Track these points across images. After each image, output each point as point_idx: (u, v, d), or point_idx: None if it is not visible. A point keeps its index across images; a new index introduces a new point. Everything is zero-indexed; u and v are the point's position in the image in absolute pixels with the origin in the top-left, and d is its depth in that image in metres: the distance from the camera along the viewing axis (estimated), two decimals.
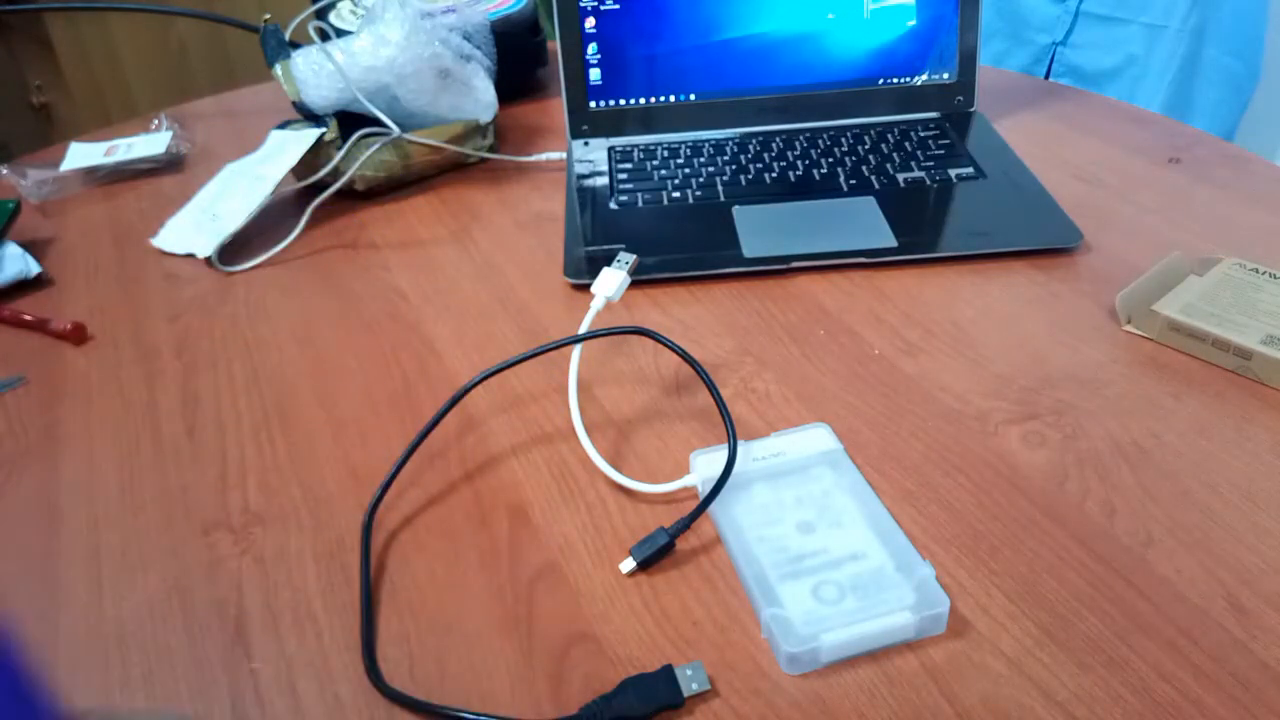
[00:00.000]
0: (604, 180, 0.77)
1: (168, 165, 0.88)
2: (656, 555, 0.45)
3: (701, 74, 0.81)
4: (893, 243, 0.67)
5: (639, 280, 0.65)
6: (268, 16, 0.81)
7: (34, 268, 0.71)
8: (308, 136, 0.77)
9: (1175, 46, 1.22)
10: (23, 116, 1.94)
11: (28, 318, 0.66)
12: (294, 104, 0.79)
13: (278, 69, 0.79)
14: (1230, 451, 0.50)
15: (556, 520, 0.49)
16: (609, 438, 0.54)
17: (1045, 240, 0.67)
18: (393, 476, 0.50)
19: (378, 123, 0.77)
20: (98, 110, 1.93)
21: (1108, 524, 0.46)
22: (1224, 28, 1.21)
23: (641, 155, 0.79)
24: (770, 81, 0.81)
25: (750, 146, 0.79)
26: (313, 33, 0.78)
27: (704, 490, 0.48)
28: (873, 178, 0.74)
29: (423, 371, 0.60)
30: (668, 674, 0.40)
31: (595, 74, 0.81)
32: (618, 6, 0.79)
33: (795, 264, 0.66)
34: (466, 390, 0.53)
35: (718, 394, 0.50)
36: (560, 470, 0.52)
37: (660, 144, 0.80)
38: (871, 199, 0.71)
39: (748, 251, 0.67)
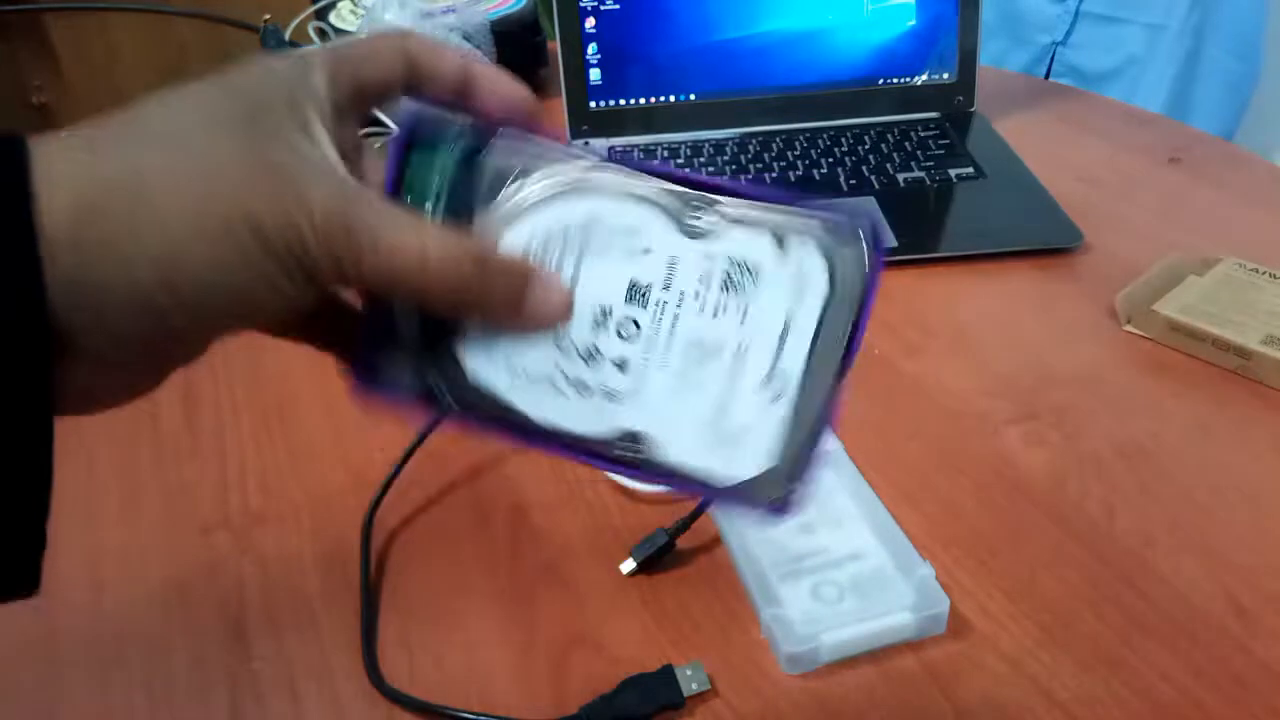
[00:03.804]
0: None
1: None
2: (656, 555, 0.45)
3: (701, 74, 0.81)
4: (893, 243, 0.67)
5: None
6: (268, 16, 0.81)
7: None
8: None
9: (1175, 46, 1.22)
10: (23, 116, 1.93)
11: None
12: None
13: None
14: (1230, 451, 0.50)
15: (556, 520, 0.48)
16: None
17: (1045, 240, 0.67)
18: (393, 476, 0.50)
19: (378, 122, 0.77)
20: (98, 110, 1.93)
21: (1108, 524, 0.46)
22: (1224, 28, 1.21)
23: (642, 155, 0.79)
24: (770, 81, 0.81)
25: (750, 146, 0.79)
26: (313, 33, 0.78)
27: None
28: (873, 178, 0.74)
29: None
30: (668, 674, 0.40)
31: (595, 74, 0.81)
32: (618, 6, 0.79)
33: None
34: None
35: None
36: (560, 470, 0.52)
37: (660, 144, 0.80)
38: (871, 199, 0.71)
39: None
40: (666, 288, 0.27)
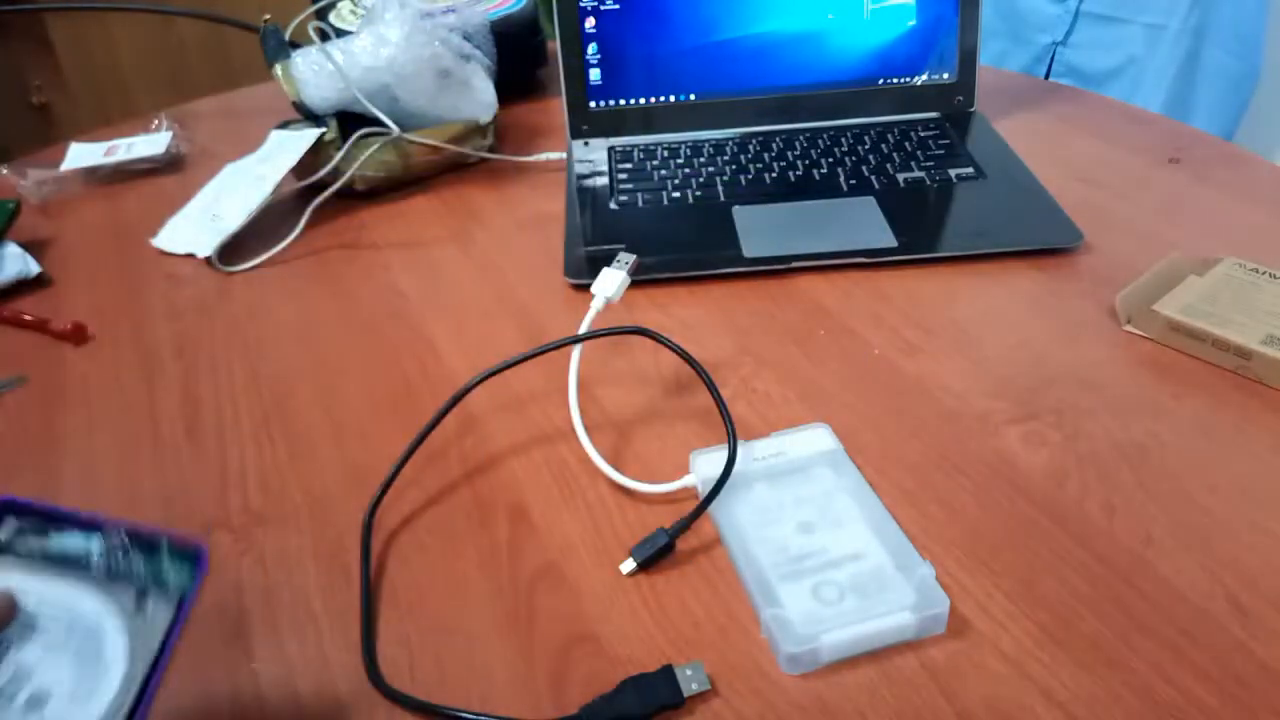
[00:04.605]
0: (604, 180, 0.77)
1: (168, 165, 0.88)
2: (656, 555, 0.45)
3: (701, 74, 0.81)
4: (893, 243, 0.67)
5: (639, 280, 0.65)
6: (268, 17, 0.81)
7: (34, 268, 0.71)
8: (308, 136, 0.77)
9: (1175, 46, 1.22)
10: (23, 116, 1.94)
11: (28, 318, 0.66)
12: (294, 104, 0.79)
13: (278, 69, 0.79)
14: (1230, 451, 0.50)
15: (556, 520, 0.49)
16: (609, 438, 0.54)
17: (1045, 240, 0.67)
18: (393, 476, 0.50)
19: (378, 123, 0.77)
20: (98, 110, 1.93)
21: (1108, 524, 0.46)
22: (1224, 28, 1.21)
23: (641, 155, 0.79)
24: (770, 81, 0.81)
25: (750, 146, 0.79)
26: (313, 33, 0.78)
27: (704, 490, 0.48)
28: (873, 178, 0.74)
29: (423, 371, 0.60)
30: (668, 674, 0.40)
31: (595, 74, 0.81)
32: (618, 6, 0.79)
33: (795, 264, 0.66)
34: (466, 390, 0.53)
35: (718, 394, 0.50)
36: (560, 470, 0.52)
37: (660, 144, 0.80)
38: (871, 199, 0.71)
39: (748, 251, 0.67)
40: None
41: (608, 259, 0.56)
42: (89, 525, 0.34)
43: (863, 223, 0.69)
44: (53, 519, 0.33)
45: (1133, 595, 0.43)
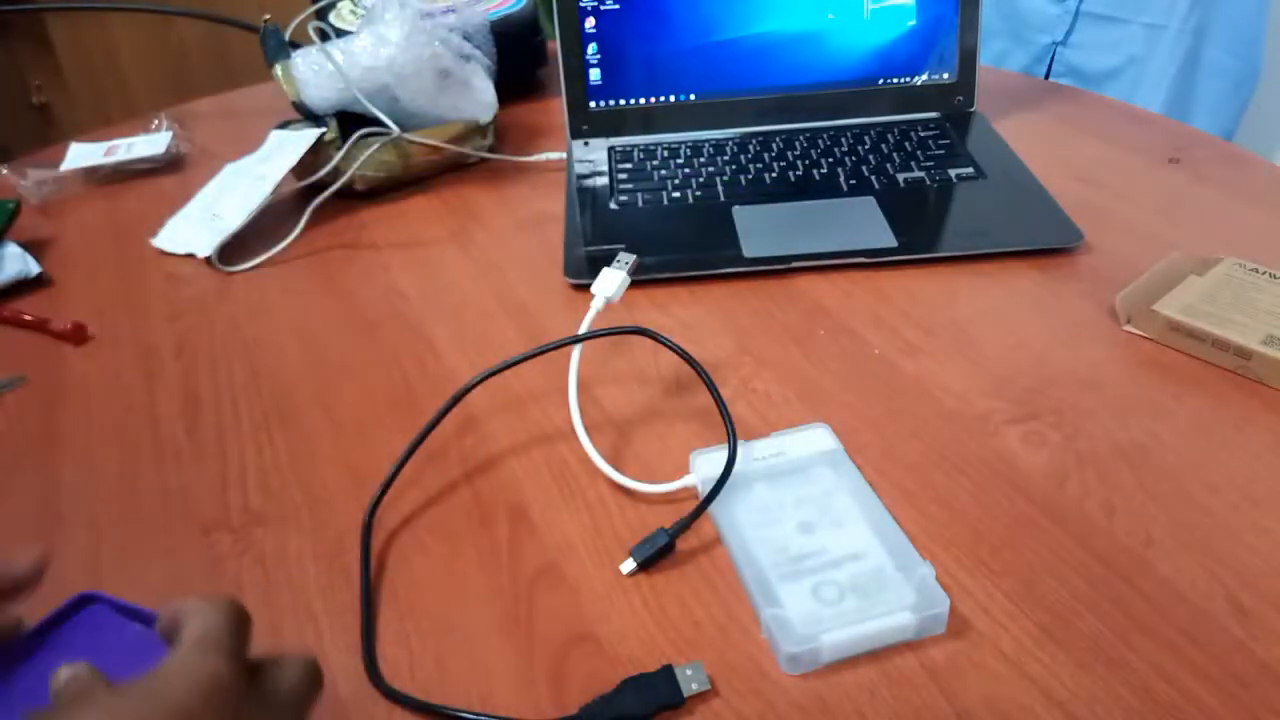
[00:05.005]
0: (604, 180, 0.77)
1: (168, 165, 0.88)
2: (656, 555, 0.45)
3: (701, 74, 0.81)
4: (893, 243, 0.67)
5: (639, 280, 0.65)
6: (268, 17, 0.81)
7: (34, 268, 0.71)
8: (308, 136, 0.77)
9: (1175, 46, 1.22)
10: (23, 116, 1.93)
11: (28, 318, 0.66)
12: (294, 104, 0.79)
13: (278, 69, 0.79)
14: (1230, 451, 0.50)
15: (556, 520, 0.49)
16: (609, 438, 0.54)
17: (1045, 240, 0.67)
18: (393, 476, 0.50)
19: (378, 123, 0.77)
20: (98, 110, 1.93)
21: (1108, 524, 0.46)
22: (1224, 27, 1.21)
23: (641, 155, 0.79)
24: (770, 81, 0.81)
25: (750, 146, 0.79)
26: (313, 33, 0.78)
27: (704, 490, 0.48)
28: (873, 178, 0.74)
29: (423, 371, 0.60)
30: (668, 674, 0.40)
31: (595, 74, 0.81)
32: (618, 6, 0.79)
33: (795, 264, 0.66)
34: (466, 390, 0.53)
35: (718, 394, 0.50)
36: (560, 470, 0.52)
37: (660, 144, 0.80)
38: (871, 199, 0.71)
39: (748, 251, 0.67)
40: None
41: (608, 259, 0.56)
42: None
43: (863, 223, 0.69)
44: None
45: (1133, 595, 0.43)
